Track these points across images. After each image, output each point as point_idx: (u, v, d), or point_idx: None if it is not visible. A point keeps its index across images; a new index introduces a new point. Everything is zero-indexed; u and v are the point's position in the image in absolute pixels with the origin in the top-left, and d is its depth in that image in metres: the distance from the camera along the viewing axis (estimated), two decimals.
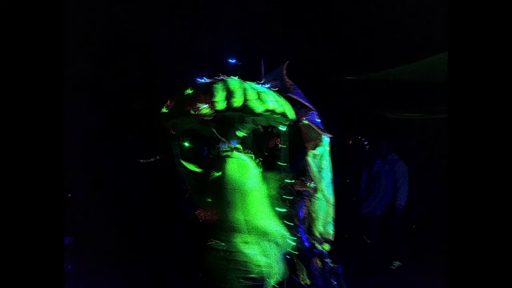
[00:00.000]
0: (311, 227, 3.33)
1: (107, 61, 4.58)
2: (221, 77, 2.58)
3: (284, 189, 2.88)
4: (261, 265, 2.50)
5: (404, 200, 5.13)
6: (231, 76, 2.59)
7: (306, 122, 3.24)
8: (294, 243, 2.93)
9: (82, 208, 4.56)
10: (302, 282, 3.27)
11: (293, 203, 3.20)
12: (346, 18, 4.56)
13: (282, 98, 2.67)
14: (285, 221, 2.73)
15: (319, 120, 3.30)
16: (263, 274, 2.50)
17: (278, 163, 2.86)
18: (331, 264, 3.34)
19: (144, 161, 4.60)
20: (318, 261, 3.32)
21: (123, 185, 4.67)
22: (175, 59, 4.49)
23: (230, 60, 3.21)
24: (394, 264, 4.95)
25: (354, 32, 4.60)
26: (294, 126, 3.03)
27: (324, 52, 4.86)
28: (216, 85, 2.43)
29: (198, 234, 2.64)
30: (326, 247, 3.36)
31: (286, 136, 2.86)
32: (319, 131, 3.29)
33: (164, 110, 2.57)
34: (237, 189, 2.50)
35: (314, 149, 3.38)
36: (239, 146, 2.70)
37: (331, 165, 3.43)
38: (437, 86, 3.63)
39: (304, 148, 3.37)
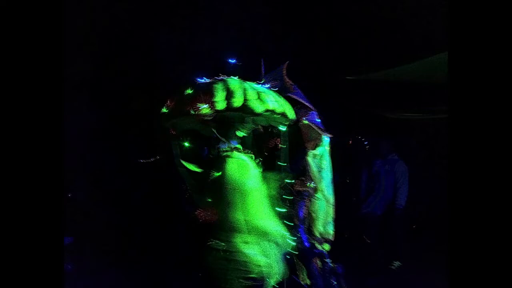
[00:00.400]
0: (311, 227, 3.33)
1: (107, 61, 4.59)
2: (221, 77, 2.57)
3: (284, 189, 2.88)
4: (261, 265, 2.50)
5: (404, 200, 5.13)
6: (231, 76, 2.59)
7: (306, 122, 3.24)
8: (294, 243, 2.92)
9: (82, 208, 4.56)
10: (302, 282, 3.27)
11: (293, 203, 3.20)
12: (346, 18, 4.56)
13: (282, 98, 2.67)
14: (285, 221, 2.73)
15: (319, 120, 3.30)
16: (263, 274, 2.50)
17: (278, 163, 2.86)
18: (331, 264, 3.34)
19: (144, 161, 4.60)
20: (318, 261, 3.32)
21: (123, 185, 4.67)
22: (175, 59, 4.49)
23: (230, 60, 3.21)
24: (394, 264, 4.95)
25: (354, 32, 4.60)
26: (294, 126, 3.03)
27: (324, 52, 4.86)
28: (216, 85, 2.43)
29: (198, 234, 2.64)
30: (326, 247, 3.36)
31: (286, 136, 2.86)
32: (319, 131, 3.29)
33: (164, 110, 2.57)
34: (237, 189, 2.50)
35: (314, 149, 3.38)
36: (239, 146, 2.70)
37: (331, 165, 3.43)
38: (437, 86, 3.63)
39: (304, 148, 3.37)
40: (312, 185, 3.34)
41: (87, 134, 4.44)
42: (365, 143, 6.24)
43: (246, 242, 2.49)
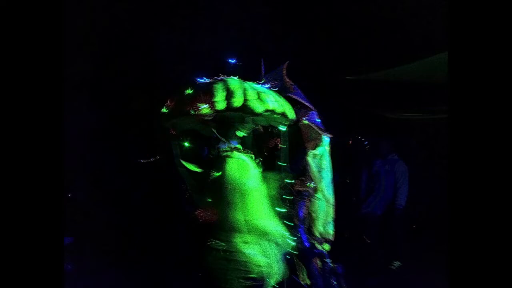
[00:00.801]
0: (311, 227, 3.33)
1: (107, 61, 4.59)
2: (221, 77, 2.57)
3: (284, 189, 2.88)
4: (261, 265, 2.50)
5: (404, 200, 5.13)
6: (231, 76, 2.59)
7: (306, 122, 3.24)
8: (294, 243, 2.92)
9: (82, 208, 4.56)
10: (302, 282, 3.27)
11: (293, 203, 3.20)
12: (346, 18, 4.56)
13: (282, 98, 2.67)
14: (285, 221, 2.73)
15: (319, 120, 3.30)
16: (263, 274, 2.50)
17: (278, 163, 2.86)
18: (331, 264, 3.34)
19: (144, 161, 4.60)
20: (318, 261, 3.32)
21: (123, 185, 4.67)
22: (175, 59, 4.49)
23: (230, 60, 3.21)
24: (394, 264, 4.95)
25: (354, 32, 4.60)
26: (294, 126, 3.03)
27: (324, 52, 4.86)
28: (216, 85, 2.43)
29: (198, 234, 2.63)
30: (326, 247, 3.36)
31: (286, 136, 2.86)
32: (319, 131, 3.29)
33: (164, 110, 2.57)
34: (237, 189, 2.50)
35: (314, 149, 3.38)
36: (239, 146, 2.70)
37: (331, 165, 3.43)
38: (437, 86, 3.63)
39: (304, 148, 3.37)
40: (312, 185, 3.34)
41: (87, 134, 4.44)
42: (365, 143, 6.24)
43: (246, 242, 2.49)
